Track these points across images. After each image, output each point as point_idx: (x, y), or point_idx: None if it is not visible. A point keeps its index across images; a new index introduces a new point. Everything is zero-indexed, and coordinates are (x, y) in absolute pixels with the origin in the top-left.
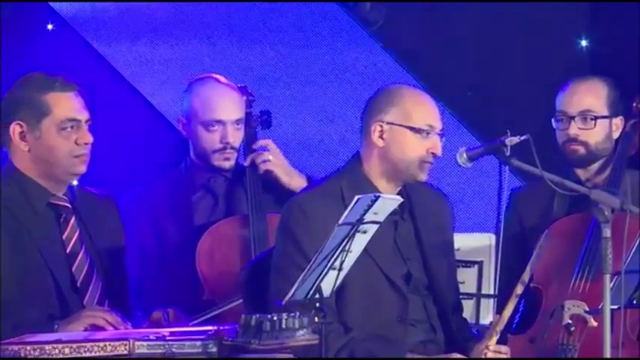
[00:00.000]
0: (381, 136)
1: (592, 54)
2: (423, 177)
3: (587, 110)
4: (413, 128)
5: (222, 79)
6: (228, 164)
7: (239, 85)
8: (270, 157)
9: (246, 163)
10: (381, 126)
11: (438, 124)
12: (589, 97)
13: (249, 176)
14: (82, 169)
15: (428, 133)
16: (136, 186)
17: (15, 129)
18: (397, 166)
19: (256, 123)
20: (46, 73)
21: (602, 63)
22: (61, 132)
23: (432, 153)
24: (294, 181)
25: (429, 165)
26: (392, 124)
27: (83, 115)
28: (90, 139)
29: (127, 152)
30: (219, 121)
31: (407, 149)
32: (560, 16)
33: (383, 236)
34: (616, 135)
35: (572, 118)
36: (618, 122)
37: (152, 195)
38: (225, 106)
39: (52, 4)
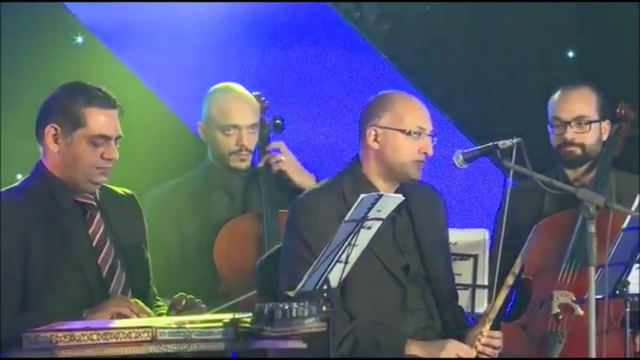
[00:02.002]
0: (376, 140)
1: (578, 62)
2: (416, 175)
3: (581, 116)
4: (405, 131)
5: (238, 87)
6: (243, 165)
7: (254, 93)
8: (283, 158)
9: (261, 164)
10: (376, 130)
11: (428, 126)
12: (581, 103)
13: (263, 176)
14: (103, 179)
15: (419, 135)
16: (161, 184)
17: (49, 131)
18: (392, 167)
19: (269, 127)
20: (90, 85)
21: (588, 70)
22: (90, 144)
23: (424, 153)
24: (305, 180)
25: (421, 164)
26: (385, 128)
27: (114, 133)
28: (115, 155)
29: (150, 154)
30: (235, 126)
31: (400, 150)
32: (550, 26)
33: (383, 231)
34: (604, 137)
35: (568, 123)
36: (606, 125)
37: (174, 193)
38: (241, 112)
39: (78, 15)
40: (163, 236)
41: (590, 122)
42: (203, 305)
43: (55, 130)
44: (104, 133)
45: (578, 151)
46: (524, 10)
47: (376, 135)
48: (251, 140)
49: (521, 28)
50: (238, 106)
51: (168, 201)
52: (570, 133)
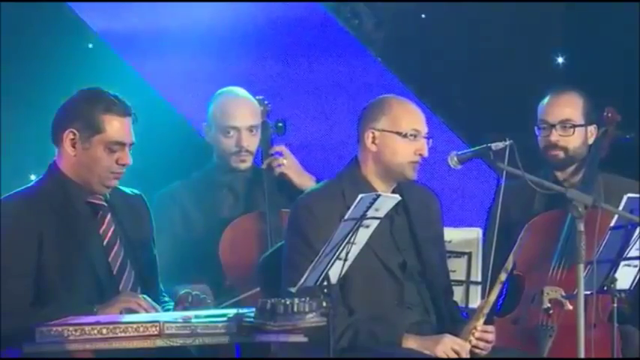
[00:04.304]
0: (373, 142)
1: (566, 68)
2: (412, 176)
3: (567, 120)
4: (401, 133)
5: (240, 90)
6: (243, 165)
7: (257, 97)
8: (285, 161)
9: (264, 166)
10: (373, 133)
11: (423, 129)
12: (568, 108)
13: (266, 177)
14: (114, 183)
15: (415, 137)
16: (170, 184)
17: (68, 135)
18: (389, 167)
19: (272, 130)
20: (108, 93)
21: (575, 76)
22: (107, 150)
23: (420, 154)
24: (305, 181)
25: (417, 165)
26: (383, 130)
27: (129, 140)
28: (129, 161)
29: (159, 156)
30: (235, 127)
31: (397, 152)
32: (538, 34)
33: (381, 230)
34: (591, 141)
35: (553, 126)
36: (593, 129)
37: (183, 192)
38: (240, 114)
39: (89, 22)
40: (174, 232)
41: (575, 126)
42: (209, 300)
43: (74, 134)
44: (120, 139)
45: (561, 154)
46: (516, 17)
47: (374, 137)
48: (251, 142)
49: (513, 35)
50: (238, 108)
51: (177, 200)
52: (555, 136)
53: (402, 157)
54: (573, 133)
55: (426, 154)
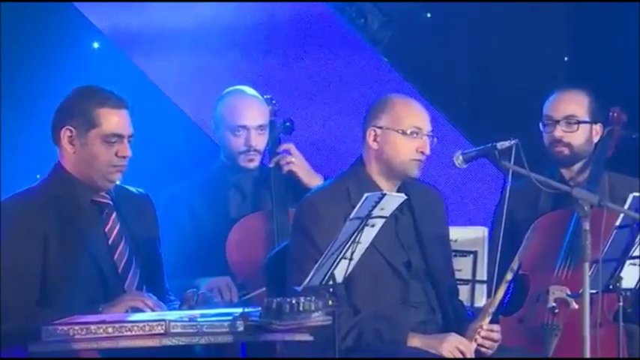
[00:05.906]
0: (375, 140)
1: (571, 66)
2: (415, 174)
3: (571, 115)
4: (402, 131)
5: (248, 90)
6: (252, 165)
7: (265, 96)
8: (293, 159)
9: (271, 165)
10: (375, 131)
11: (425, 127)
12: (573, 104)
13: (274, 176)
14: (117, 177)
15: (417, 134)
16: (177, 183)
17: (65, 133)
18: (391, 165)
19: (280, 129)
20: (102, 88)
21: (580, 74)
22: (104, 143)
23: (421, 152)
24: (313, 180)
25: (419, 163)
26: (384, 128)
27: (127, 131)
28: (129, 153)
29: (166, 155)
30: (244, 127)
31: (398, 150)
32: (543, 33)
33: (386, 229)
34: (596, 139)
35: (558, 122)
36: (598, 128)
37: (190, 191)
38: (249, 113)
39: (95, 22)
40: (181, 231)
41: (579, 122)
42: (216, 299)
43: (71, 131)
44: (117, 131)
45: (566, 151)
46: (521, 16)
47: (375, 135)
48: (259, 141)
49: (518, 34)
50: (247, 107)
51: (184, 199)
52: (559, 132)
53: (403, 154)
54: (577, 129)
55: (427, 151)
